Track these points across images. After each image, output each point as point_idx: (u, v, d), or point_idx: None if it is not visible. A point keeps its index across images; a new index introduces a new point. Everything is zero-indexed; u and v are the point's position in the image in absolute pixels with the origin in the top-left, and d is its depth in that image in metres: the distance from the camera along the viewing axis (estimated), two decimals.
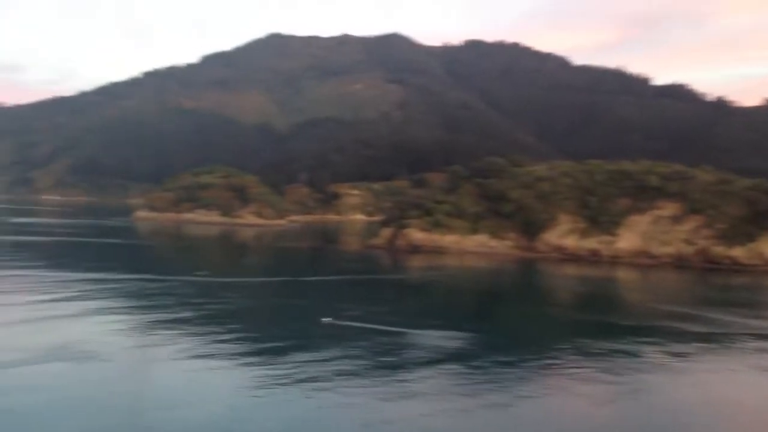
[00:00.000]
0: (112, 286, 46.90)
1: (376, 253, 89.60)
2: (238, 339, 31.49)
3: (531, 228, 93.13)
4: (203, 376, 24.58)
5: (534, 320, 42.84)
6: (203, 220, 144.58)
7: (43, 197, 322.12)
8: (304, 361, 27.40)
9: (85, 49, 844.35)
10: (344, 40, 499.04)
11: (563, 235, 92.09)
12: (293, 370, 25.94)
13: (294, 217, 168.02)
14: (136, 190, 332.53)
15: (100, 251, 78.24)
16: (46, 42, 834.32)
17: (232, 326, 34.87)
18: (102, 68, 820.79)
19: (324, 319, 36.40)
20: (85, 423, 19.74)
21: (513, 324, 41.06)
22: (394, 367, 27.54)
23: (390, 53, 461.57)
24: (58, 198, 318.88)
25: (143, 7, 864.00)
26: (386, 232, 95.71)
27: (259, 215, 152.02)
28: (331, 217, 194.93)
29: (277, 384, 24.12)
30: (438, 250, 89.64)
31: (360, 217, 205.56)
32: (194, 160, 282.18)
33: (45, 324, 32.02)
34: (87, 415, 20.31)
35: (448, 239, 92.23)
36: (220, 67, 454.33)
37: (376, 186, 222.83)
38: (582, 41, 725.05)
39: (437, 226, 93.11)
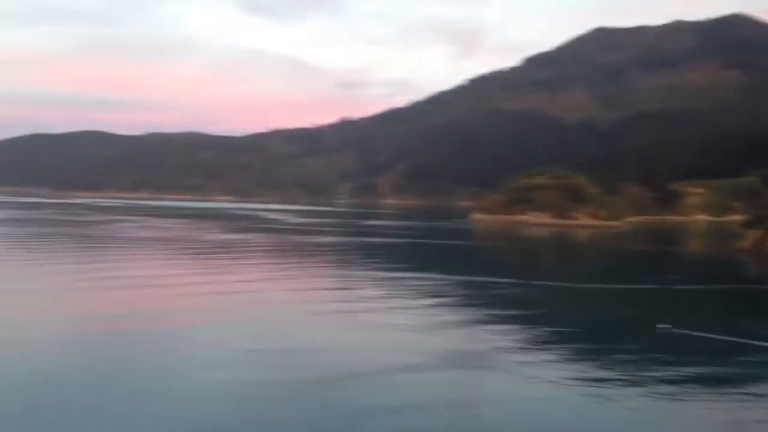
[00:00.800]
0: (480, 291, 46.76)
1: (740, 258, 78.82)
2: (632, 361, 28.08)
3: None
4: (625, 404, 21.69)
5: None
6: (536, 222, 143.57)
7: (383, 201, 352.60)
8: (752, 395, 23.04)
9: (418, 63, 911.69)
10: (675, 27, 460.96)
11: None
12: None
13: (630, 218, 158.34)
14: (464, 193, 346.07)
15: (453, 253, 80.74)
16: (385, 59, 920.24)
17: (606, 344, 31.61)
18: (433, 79, 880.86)
19: (661, 326, 31.78)
20: None
21: None
22: None
23: (729, 36, 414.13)
24: (394, 201, 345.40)
25: (467, 18, 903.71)
26: (755, 235, 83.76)
27: (593, 216, 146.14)
28: (671, 218, 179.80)
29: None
30: None
31: (702, 217, 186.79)
32: (518, 162, 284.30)
33: (435, 329, 32.20)
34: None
35: None
36: (542, 68, 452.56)
37: (720, 183, 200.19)
38: None
39: None
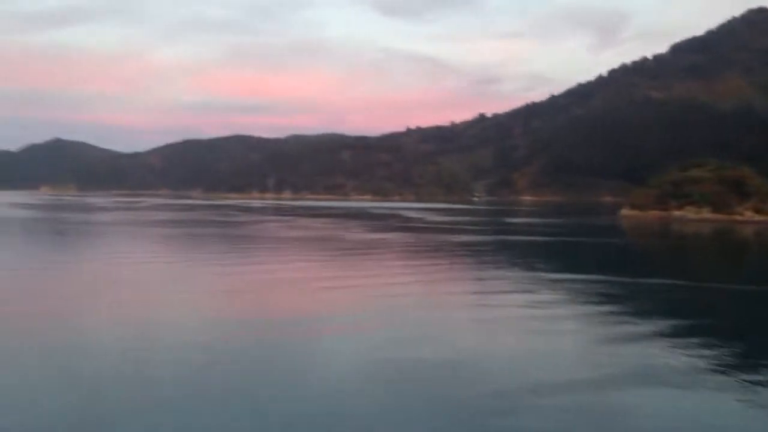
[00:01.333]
0: (650, 295, 42.71)
1: None
2: None
3: None
4: None
5: None
6: (694, 218, 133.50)
7: (521, 198, 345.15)
8: None
9: (556, 55, 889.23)
10: None
11: None
12: None
13: None
14: (606, 188, 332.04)
15: (608, 252, 75.98)
16: (521, 53, 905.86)
17: None
18: (571, 71, 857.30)
19: None
20: None
21: None
22: None
23: None
24: (532, 198, 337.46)
25: (607, 6, 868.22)
26: None
27: (759, 211, 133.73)
28: None
29: None
30: None
31: None
32: (667, 154, 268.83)
33: (612, 340, 29.04)
34: None
35: None
36: (691, 54, 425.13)
37: None
38: None
39: None
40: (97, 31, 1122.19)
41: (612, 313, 35.46)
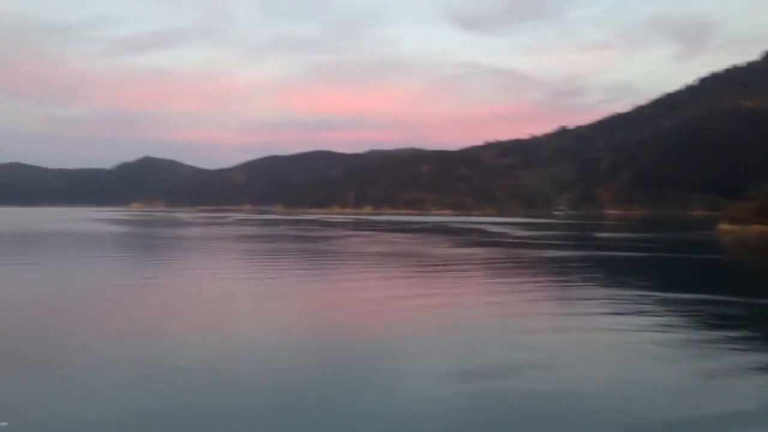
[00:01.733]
0: None
1: None
2: None
3: None
4: None
5: None
6: None
7: (605, 212, 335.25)
8: None
9: (639, 65, 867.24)
10: None
11: None
12: None
13: None
14: (696, 201, 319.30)
15: (714, 269, 71.76)
16: (603, 64, 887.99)
17: None
18: (657, 80, 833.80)
19: None
20: None
21: None
22: None
23: None
24: (616, 212, 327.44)
25: (694, 13, 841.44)
26: None
27: None
28: None
29: None
30: None
31: None
32: (760, 165, 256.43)
33: (752, 371, 26.54)
34: None
35: None
36: None
37: None
38: None
39: None
40: (185, 54, 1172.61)
41: (738, 338, 32.61)
